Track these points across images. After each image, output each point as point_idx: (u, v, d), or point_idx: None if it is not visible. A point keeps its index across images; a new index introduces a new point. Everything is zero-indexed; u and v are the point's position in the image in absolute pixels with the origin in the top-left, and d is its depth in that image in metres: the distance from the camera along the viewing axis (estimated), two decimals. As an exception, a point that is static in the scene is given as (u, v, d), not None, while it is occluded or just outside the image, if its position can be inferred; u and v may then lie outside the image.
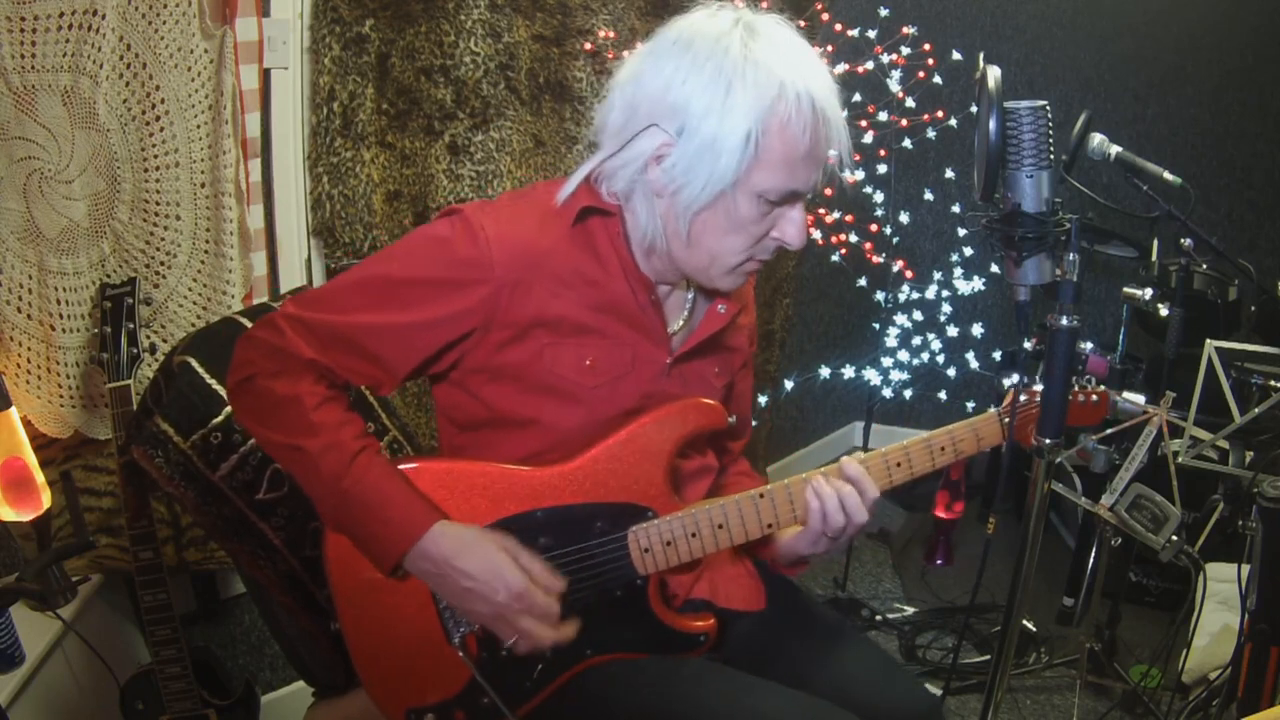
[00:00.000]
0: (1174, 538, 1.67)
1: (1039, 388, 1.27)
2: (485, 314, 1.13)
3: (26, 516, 1.50)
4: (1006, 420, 1.30)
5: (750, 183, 1.08)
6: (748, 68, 1.03)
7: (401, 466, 1.17)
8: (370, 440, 1.15)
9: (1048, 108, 1.13)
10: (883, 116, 2.47)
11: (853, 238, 2.58)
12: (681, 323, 1.25)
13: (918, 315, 2.83)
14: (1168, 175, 2.00)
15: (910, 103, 2.48)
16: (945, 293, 2.82)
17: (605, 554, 1.19)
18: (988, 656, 2.45)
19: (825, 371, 2.70)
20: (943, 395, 2.90)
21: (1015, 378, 1.33)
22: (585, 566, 1.19)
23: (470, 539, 1.14)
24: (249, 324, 1.43)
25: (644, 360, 1.21)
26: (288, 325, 1.14)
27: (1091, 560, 2.19)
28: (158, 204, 1.68)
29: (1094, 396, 1.36)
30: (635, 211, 1.16)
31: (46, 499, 1.52)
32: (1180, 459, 1.85)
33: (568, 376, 1.17)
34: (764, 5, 2.38)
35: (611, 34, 2.25)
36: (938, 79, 2.49)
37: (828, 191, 2.60)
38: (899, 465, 1.25)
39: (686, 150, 1.06)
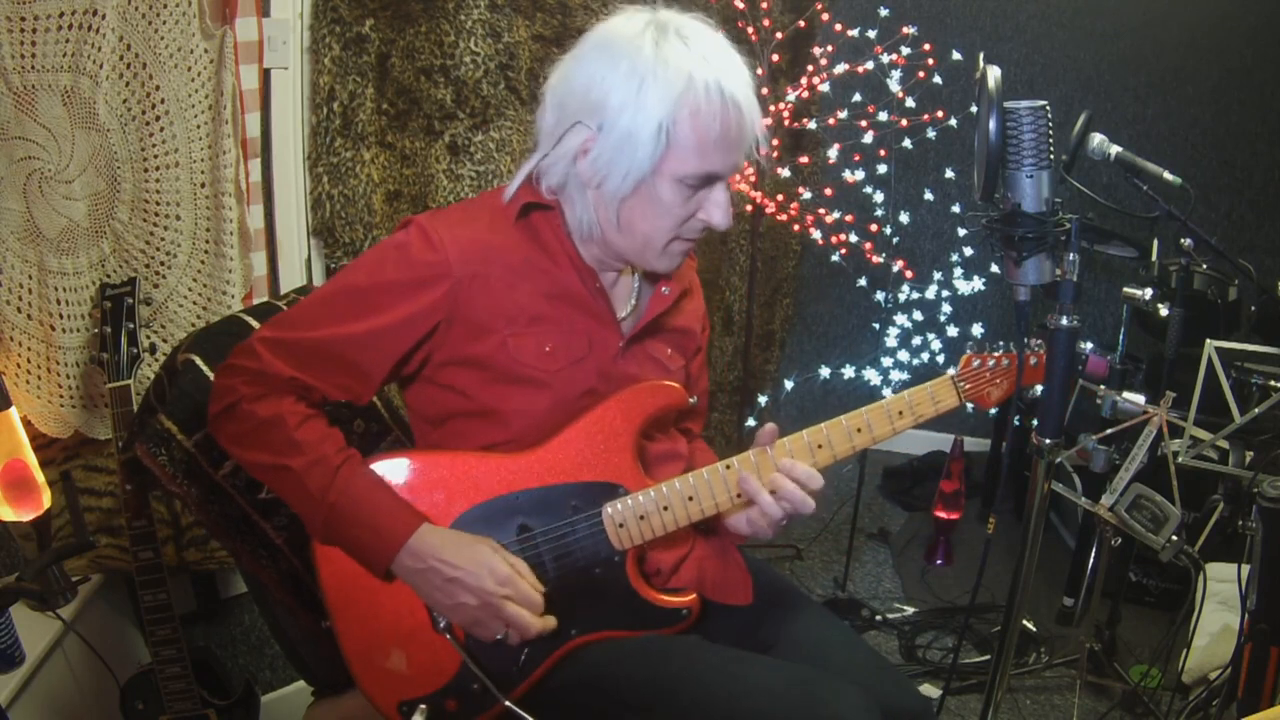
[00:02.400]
0: (1174, 538, 1.68)
1: (997, 353, 1.29)
2: (448, 309, 1.20)
3: (26, 516, 1.50)
4: (964, 385, 1.30)
5: (667, 169, 1.15)
6: (657, 64, 1.11)
7: (378, 462, 1.21)
8: (352, 452, 1.20)
9: (1048, 108, 1.13)
10: (883, 116, 2.47)
11: (853, 238, 2.58)
12: (630, 308, 1.32)
13: (918, 315, 2.83)
14: (1168, 175, 2.00)
15: (910, 103, 2.48)
16: (945, 293, 2.81)
17: (582, 531, 1.23)
18: (988, 656, 2.44)
19: (825, 371, 2.70)
20: (943, 395, 2.90)
21: (969, 344, 1.33)
22: (564, 545, 1.22)
23: (455, 536, 1.19)
24: (254, 322, 1.44)
25: (599, 343, 1.27)
26: (264, 348, 1.19)
27: (1091, 560, 2.19)
28: (158, 204, 1.68)
29: (1032, 360, 1.35)
30: (572, 203, 1.23)
31: (46, 499, 1.52)
32: (1180, 459, 1.85)
33: (530, 364, 1.23)
34: (764, 5, 2.38)
35: (611, 34, 2.25)
36: (938, 79, 2.49)
37: (828, 192, 2.61)
38: (859, 431, 1.28)
39: (607, 144, 1.14)
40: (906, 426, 1.30)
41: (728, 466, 1.24)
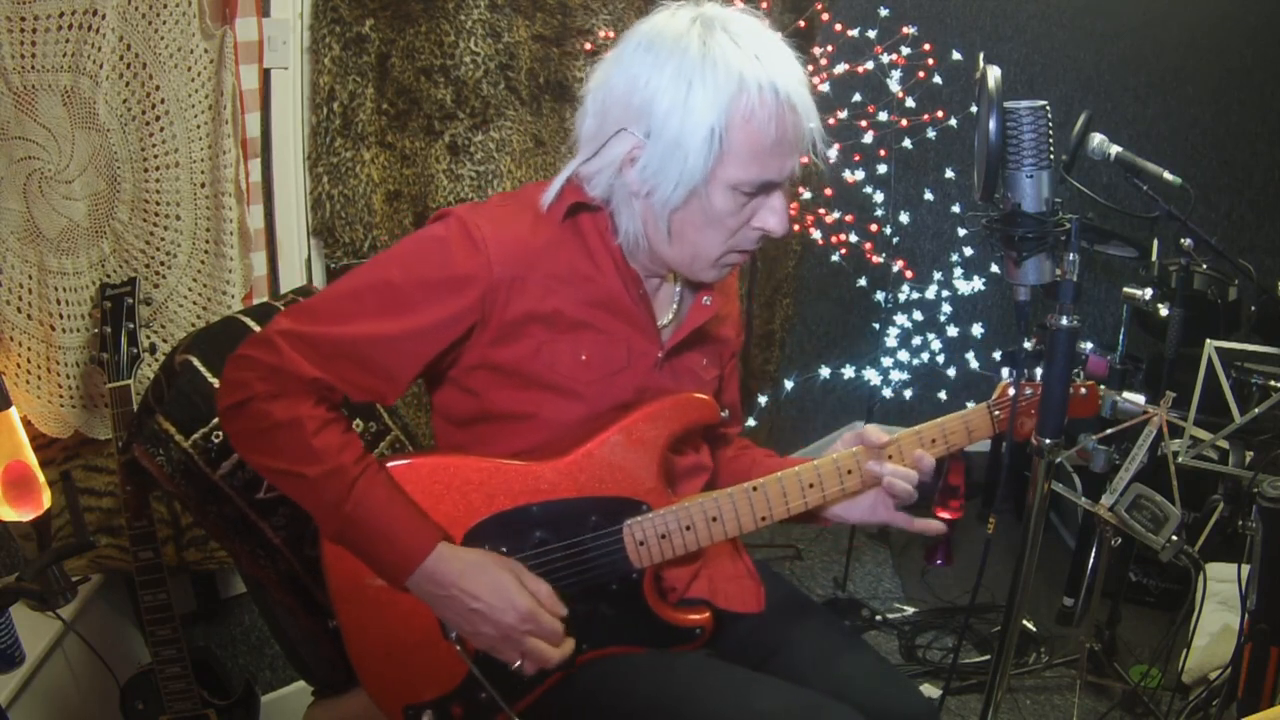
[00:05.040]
0: (1174, 538, 1.68)
1: (1035, 382, 1.27)
2: (482, 312, 1.14)
3: (26, 516, 1.50)
4: (998, 414, 1.29)
5: (721, 177, 1.09)
6: (706, 65, 1.05)
7: (395, 463, 1.17)
8: (370, 461, 1.14)
9: (1048, 108, 1.13)
10: (883, 116, 2.47)
11: (853, 238, 2.58)
12: (670, 316, 1.27)
13: (918, 315, 2.83)
14: (1168, 175, 2.00)
15: (910, 103, 2.48)
16: (945, 293, 2.82)
17: (600, 548, 1.20)
18: (988, 656, 2.45)
19: (825, 371, 2.70)
20: (943, 395, 2.90)
21: (1007, 371, 1.32)
22: (580, 560, 1.20)
23: (476, 561, 1.14)
24: (252, 323, 1.43)
25: (638, 354, 1.22)
26: (285, 343, 1.11)
27: (1091, 560, 2.19)
28: (158, 204, 1.68)
29: (1083, 390, 1.36)
30: (618, 211, 1.17)
31: (46, 499, 1.52)
32: (1180, 459, 1.85)
33: (564, 372, 1.18)
34: (764, 6, 2.38)
35: (611, 34, 2.25)
36: (938, 79, 2.49)
37: (828, 192, 2.61)
38: (890, 458, 1.26)
39: (655, 151, 1.08)
40: (938, 454, 1.28)
41: (754, 489, 1.21)
